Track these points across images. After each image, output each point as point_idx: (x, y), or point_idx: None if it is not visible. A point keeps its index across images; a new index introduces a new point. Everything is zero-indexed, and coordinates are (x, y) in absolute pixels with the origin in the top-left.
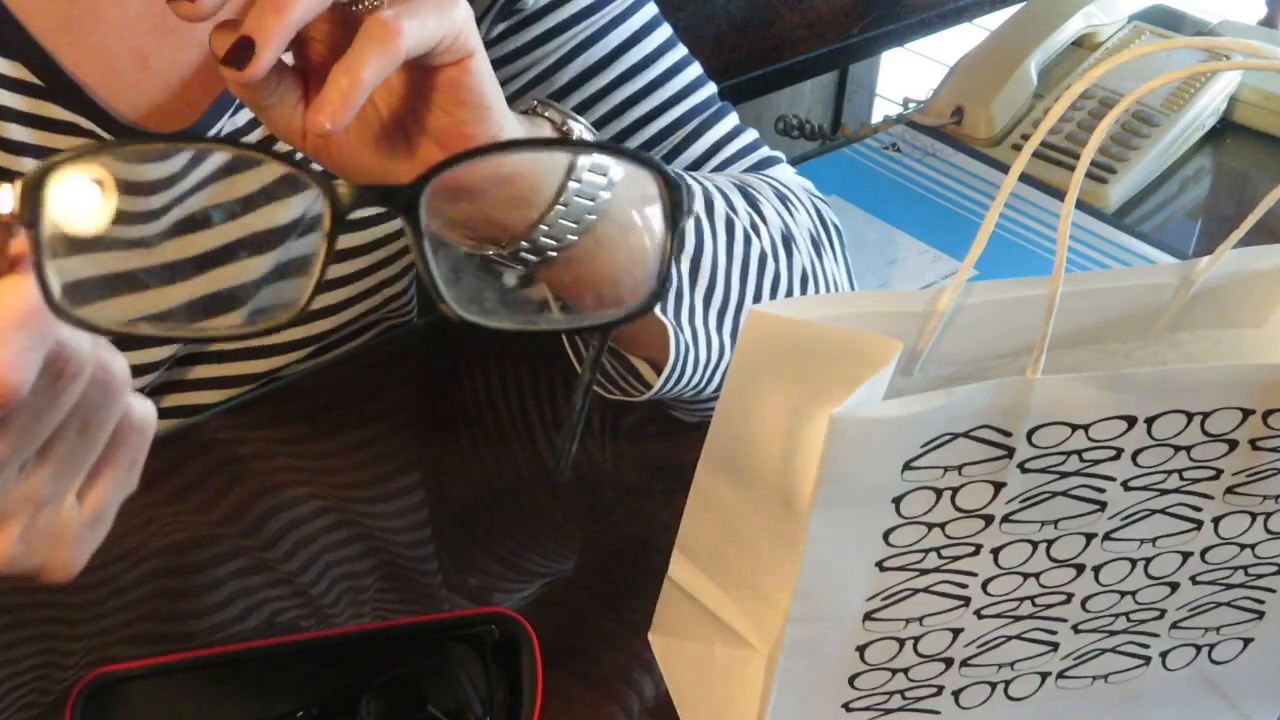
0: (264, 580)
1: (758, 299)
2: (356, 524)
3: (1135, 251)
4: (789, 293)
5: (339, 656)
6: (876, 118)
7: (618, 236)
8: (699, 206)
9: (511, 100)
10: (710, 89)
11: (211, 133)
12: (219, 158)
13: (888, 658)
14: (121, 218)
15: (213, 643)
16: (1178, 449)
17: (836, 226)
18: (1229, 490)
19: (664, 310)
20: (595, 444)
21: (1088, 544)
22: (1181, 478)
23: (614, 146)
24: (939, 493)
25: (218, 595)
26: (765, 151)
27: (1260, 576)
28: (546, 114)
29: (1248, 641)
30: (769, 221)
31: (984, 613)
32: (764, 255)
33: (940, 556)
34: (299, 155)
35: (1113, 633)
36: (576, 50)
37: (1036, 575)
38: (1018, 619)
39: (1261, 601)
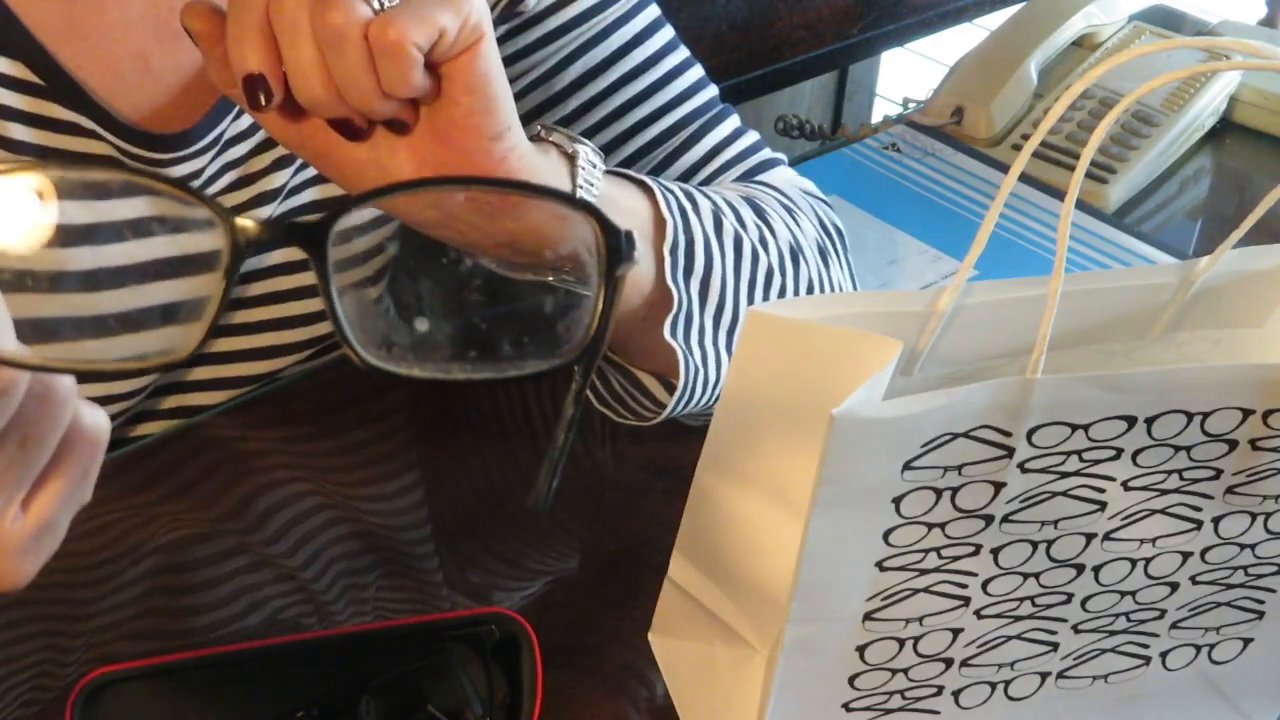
0: (264, 580)
1: None
2: (357, 524)
3: (1135, 251)
4: None
5: (339, 656)
6: (876, 118)
7: None
8: (708, 225)
9: None
10: (711, 91)
11: (213, 135)
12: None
13: (888, 658)
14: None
15: (213, 642)
16: (1178, 449)
17: (839, 230)
18: (1229, 490)
19: (674, 334)
20: (596, 444)
21: (1088, 544)
22: (1181, 478)
23: (555, 191)
24: (939, 493)
25: (218, 595)
26: (766, 154)
27: (1260, 576)
28: (552, 138)
29: (1248, 641)
30: (778, 235)
31: (984, 613)
32: (771, 270)
33: (940, 556)
34: (207, 190)
35: (1113, 633)
36: (578, 52)
37: (1036, 575)
38: (1018, 619)
39: (1261, 601)
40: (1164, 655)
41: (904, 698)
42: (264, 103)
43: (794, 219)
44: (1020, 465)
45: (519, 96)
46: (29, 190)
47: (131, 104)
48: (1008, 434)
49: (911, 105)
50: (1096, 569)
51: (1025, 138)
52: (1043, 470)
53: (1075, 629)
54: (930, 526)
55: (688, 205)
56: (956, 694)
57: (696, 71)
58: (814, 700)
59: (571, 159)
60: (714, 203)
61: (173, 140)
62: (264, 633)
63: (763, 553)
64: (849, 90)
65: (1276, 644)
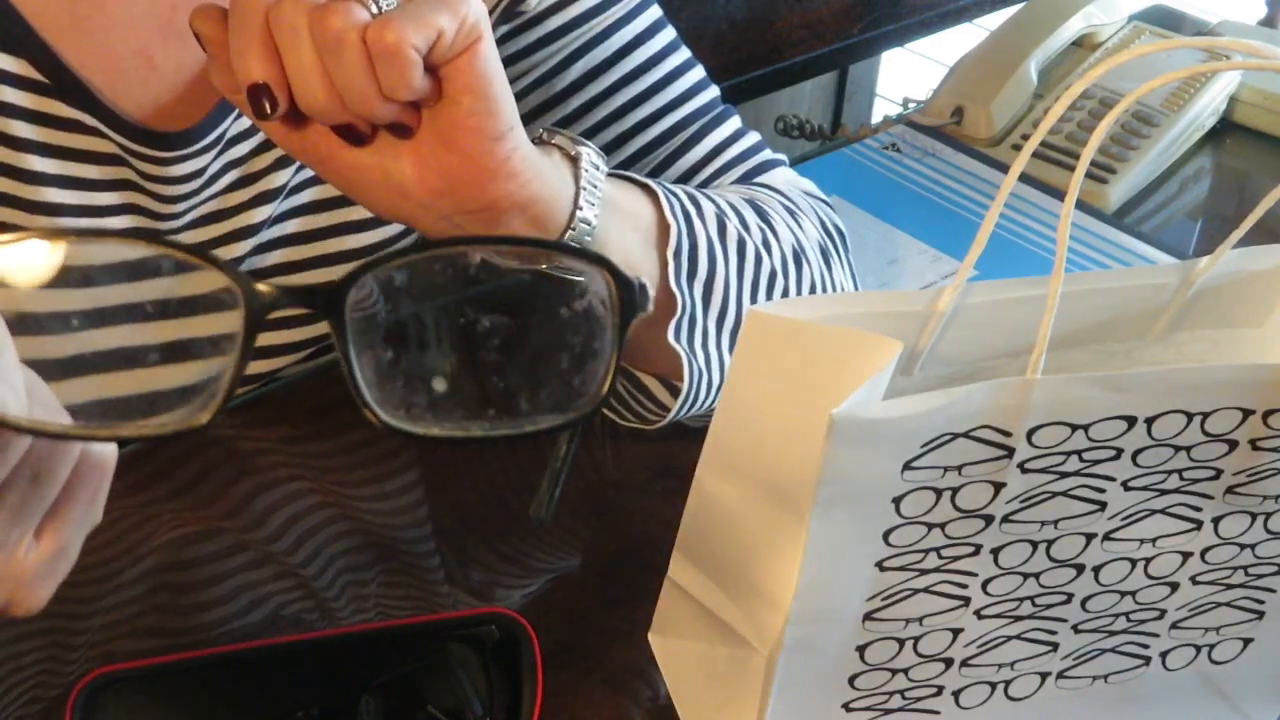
0: (264, 580)
1: None
2: (357, 524)
3: (1135, 251)
4: None
5: (339, 656)
6: (876, 118)
7: None
8: (712, 228)
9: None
10: (713, 92)
11: (216, 134)
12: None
13: (888, 658)
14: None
15: (213, 642)
16: (1178, 449)
17: (840, 230)
18: (1229, 490)
19: (678, 337)
20: (596, 444)
21: (1088, 544)
22: (1181, 478)
23: (570, 246)
24: (939, 493)
25: (218, 595)
26: (767, 155)
27: (1260, 576)
28: (555, 140)
29: (1248, 641)
30: (780, 237)
31: (984, 613)
32: (774, 272)
33: (940, 556)
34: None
35: (1113, 633)
36: (579, 52)
37: (1036, 575)
38: (1018, 619)
39: (1261, 601)
40: (1164, 655)
41: (904, 698)
42: (269, 111)
43: (796, 221)
44: (1020, 465)
45: (519, 97)
46: (43, 246)
47: (135, 102)
48: (1008, 434)
49: (911, 105)
50: (1096, 569)
51: (1025, 138)
52: (1043, 470)
53: (1075, 629)
54: (930, 526)
55: (691, 208)
56: (956, 694)
57: (698, 72)
58: (814, 700)
59: (574, 161)
60: (717, 205)
61: (176, 138)
62: (264, 632)
63: (763, 553)
64: (849, 90)
65: (1276, 644)
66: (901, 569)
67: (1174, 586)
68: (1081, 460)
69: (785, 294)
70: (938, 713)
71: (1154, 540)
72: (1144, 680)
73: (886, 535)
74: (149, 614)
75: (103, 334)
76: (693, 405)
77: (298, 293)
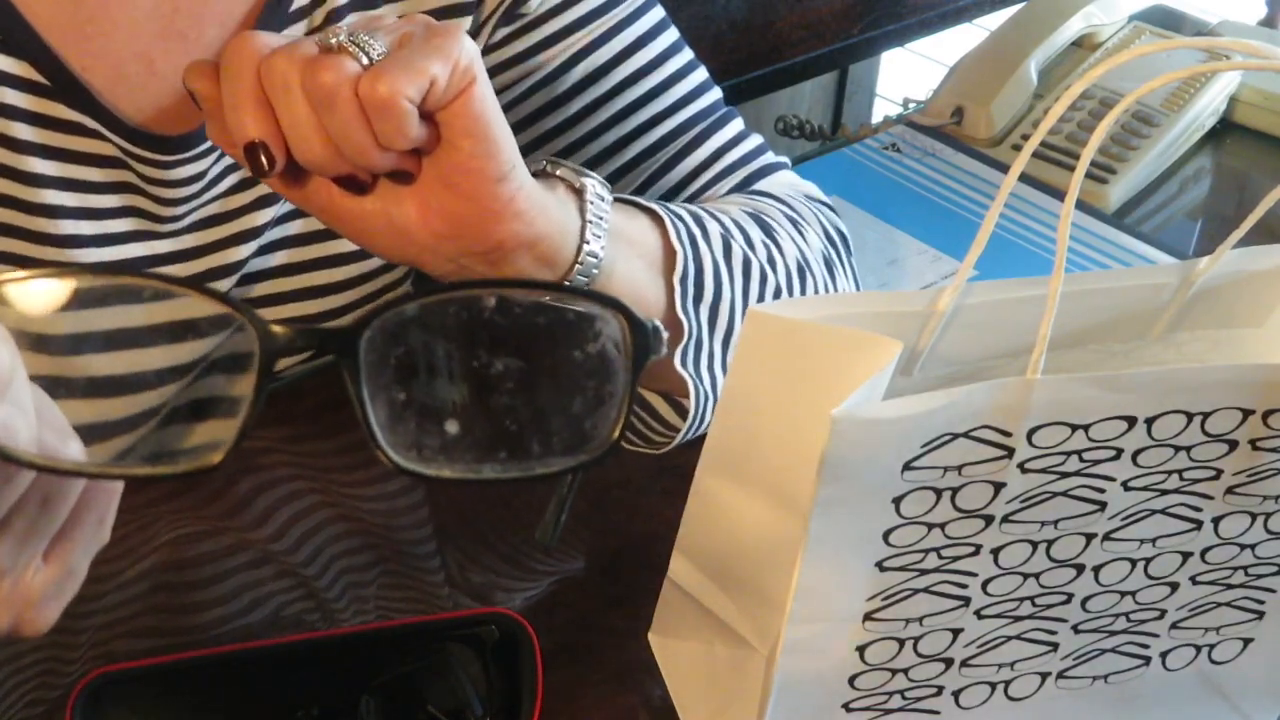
0: (264, 580)
1: None
2: (357, 523)
3: (1135, 251)
4: None
5: (339, 656)
6: (876, 118)
7: None
8: (717, 251)
9: (512, 105)
10: (715, 95)
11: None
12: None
13: (888, 658)
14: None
15: (213, 642)
16: (1178, 449)
17: (843, 234)
18: (1229, 490)
19: (684, 363)
20: None
21: (1088, 544)
22: (1181, 478)
23: (585, 291)
24: (939, 493)
25: (218, 595)
26: (769, 158)
27: (1260, 576)
28: (558, 173)
29: (1248, 641)
30: (785, 253)
31: (984, 613)
32: (779, 289)
33: (940, 557)
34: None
35: (1113, 633)
36: (581, 54)
37: (1036, 575)
38: (1018, 619)
39: (1261, 601)
40: (1164, 655)
41: (904, 698)
42: (267, 168)
43: (800, 232)
44: (1020, 465)
45: (520, 99)
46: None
47: (135, 105)
48: (1008, 434)
49: (911, 105)
50: (1096, 569)
51: (1025, 138)
52: (1043, 470)
53: (1075, 629)
54: (930, 526)
55: (697, 232)
56: (956, 694)
57: (700, 74)
58: (814, 700)
59: (579, 193)
60: (722, 225)
61: (176, 141)
62: (264, 632)
63: (763, 553)
64: (849, 90)
65: (1276, 644)
66: (901, 569)
67: (1174, 586)
68: (1081, 460)
69: None
70: (938, 713)
71: (1154, 540)
72: (1144, 680)
73: (886, 535)
74: (149, 614)
75: (110, 359)
76: (700, 426)
77: (312, 334)
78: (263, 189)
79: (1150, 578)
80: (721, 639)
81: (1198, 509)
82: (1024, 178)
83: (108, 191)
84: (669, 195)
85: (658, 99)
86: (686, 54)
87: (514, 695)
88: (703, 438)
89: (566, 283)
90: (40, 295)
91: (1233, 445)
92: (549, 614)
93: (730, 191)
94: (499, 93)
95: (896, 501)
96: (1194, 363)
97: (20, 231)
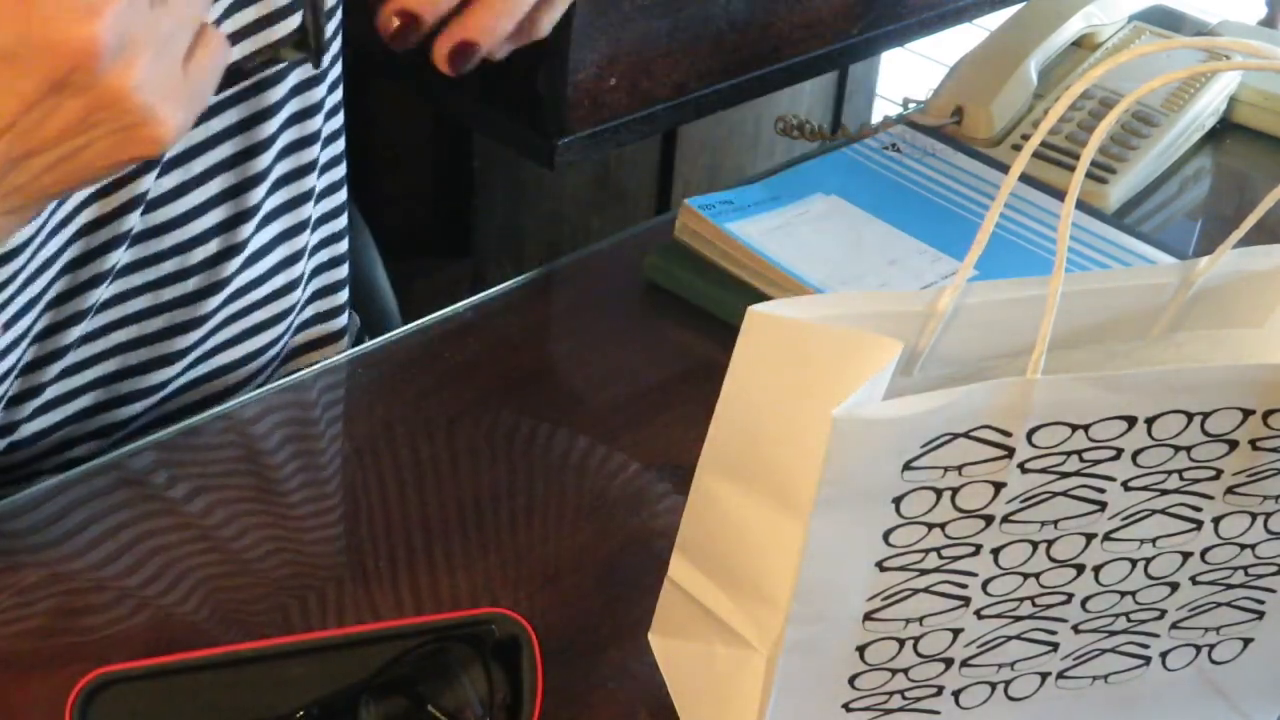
0: (264, 579)
1: None
2: (357, 523)
3: (1135, 251)
4: None
5: (339, 656)
6: (876, 118)
7: None
8: None
9: None
10: None
11: None
12: None
13: (888, 658)
14: None
15: (213, 642)
16: (1178, 449)
17: None
18: (1229, 490)
19: None
20: (597, 444)
21: (1088, 544)
22: (1181, 478)
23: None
24: (939, 493)
25: (218, 594)
26: None
27: (1260, 576)
28: None
29: (1248, 641)
30: None
31: (984, 613)
32: None
33: (940, 557)
34: None
35: (1113, 633)
36: None
37: (1036, 575)
38: (1018, 619)
39: (1261, 601)
40: (1164, 655)
41: (904, 698)
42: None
43: None
44: (1020, 465)
45: None
46: None
47: None
48: (1008, 434)
49: (911, 105)
50: (1097, 569)
51: (1025, 138)
52: (1043, 470)
53: (1075, 629)
54: (930, 526)
55: None
56: (957, 694)
57: None
58: (814, 700)
59: None
60: None
61: None
62: (264, 632)
63: (763, 553)
64: (849, 90)
65: (1276, 644)
66: (901, 569)
67: (1174, 586)
68: (1082, 460)
69: None
70: (938, 713)
71: (1154, 540)
72: (1144, 680)
73: (886, 535)
74: (149, 614)
75: None
76: None
77: None
78: None
79: (1150, 578)
80: (721, 639)
81: (1198, 509)
82: (1024, 178)
83: None
84: None
85: None
86: None
87: (514, 695)
88: (702, 435)
89: None
90: None
91: (1233, 445)
92: (549, 614)
93: None
94: None
95: (896, 501)
96: (1194, 363)
97: None
